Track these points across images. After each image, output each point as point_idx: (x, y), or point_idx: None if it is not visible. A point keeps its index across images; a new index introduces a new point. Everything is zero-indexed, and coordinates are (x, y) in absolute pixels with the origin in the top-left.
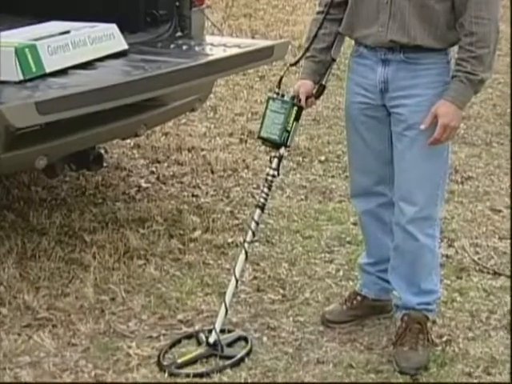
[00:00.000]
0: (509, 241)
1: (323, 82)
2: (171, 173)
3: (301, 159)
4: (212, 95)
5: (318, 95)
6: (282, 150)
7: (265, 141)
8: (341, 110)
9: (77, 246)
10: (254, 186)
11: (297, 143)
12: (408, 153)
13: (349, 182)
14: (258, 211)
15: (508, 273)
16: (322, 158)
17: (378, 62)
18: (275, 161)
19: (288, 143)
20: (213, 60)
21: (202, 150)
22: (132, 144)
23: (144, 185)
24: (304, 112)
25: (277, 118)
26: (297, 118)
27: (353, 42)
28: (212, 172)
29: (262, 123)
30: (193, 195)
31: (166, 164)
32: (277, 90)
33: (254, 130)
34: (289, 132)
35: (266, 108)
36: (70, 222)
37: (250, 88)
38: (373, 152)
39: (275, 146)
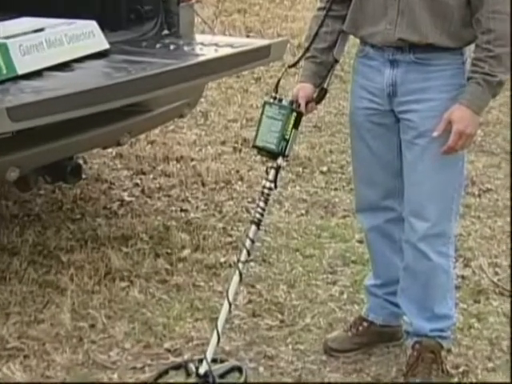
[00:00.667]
0: None
1: (325, 86)
2: (157, 185)
3: (301, 170)
4: (203, 99)
5: (319, 100)
6: (280, 161)
7: (261, 150)
8: (345, 115)
9: (52, 267)
10: (249, 199)
11: (296, 152)
12: (419, 163)
13: (354, 195)
14: (253, 228)
15: None
16: (324, 169)
17: (385, 63)
18: (272, 172)
19: (286, 153)
20: (203, 61)
21: (192, 159)
22: (114, 154)
23: (127, 198)
24: (304, 118)
25: (274, 125)
26: (296, 125)
27: (358, 41)
28: (203, 184)
29: (257, 131)
30: (181, 210)
31: (151, 175)
32: (274, 94)
33: (249, 137)
34: (287, 140)
35: (262, 114)
36: (45, 240)
37: (244, 91)
38: (380, 162)
39: (272, 155)
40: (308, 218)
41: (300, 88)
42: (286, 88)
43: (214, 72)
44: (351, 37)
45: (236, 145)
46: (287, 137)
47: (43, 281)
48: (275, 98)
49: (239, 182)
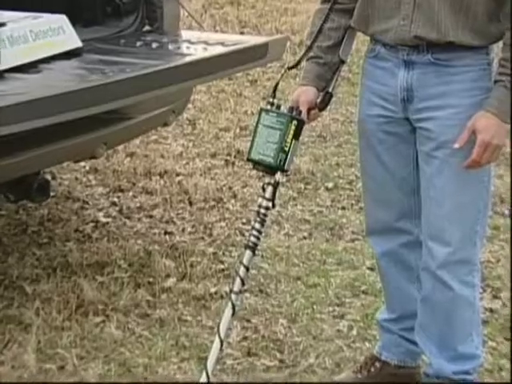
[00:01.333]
0: None
1: (330, 89)
2: (138, 204)
3: (303, 186)
4: (190, 105)
5: (323, 106)
6: (279, 176)
7: (256, 164)
8: (353, 123)
9: (15, 300)
10: (244, 220)
11: (297, 166)
12: (439, 178)
13: (364, 215)
14: (247, 253)
15: None
16: (330, 185)
17: (399, 64)
18: (270, 189)
19: (286, 167)
20: (190, 61)
21: (178, 174)
22: (88, 168)
23: (103, 219)
24: (306, 127)
25: (271, 135)
26: (296, 135)
27: (367, 39)
28: (190, 203)
29: (252, 141)
30: (165, 233)
31: (131, 193)
32: (271, 100)
33: (243, 149)
34: (286, 153)
35: (258, 122)
36: (7, 268)
37: (237, 96)
38: (394, 178)
39: (270, 170)
40: (311, 242)
41: (301, 92)
42: (286, 92)
43: (203, 74)
44: (360, 34)
45: (228, 157)
46: (287, 148)
47: (4, 316)
48: (273, 104)
49: (232, 201)
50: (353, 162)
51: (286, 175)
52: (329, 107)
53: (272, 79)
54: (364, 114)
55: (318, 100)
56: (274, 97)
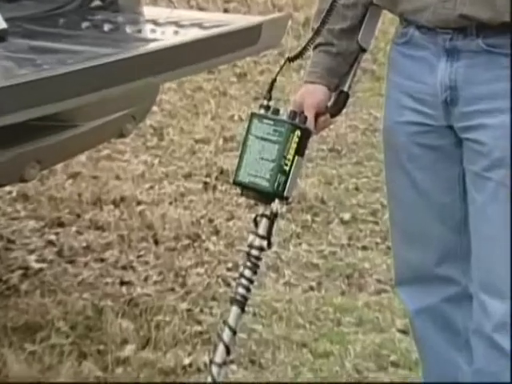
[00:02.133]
0: None
1: (345, 88)
2: (84, 243)
3: (310, 219)
4: (155, 108)
5: (337, 110)
6: (277, 205)
7: (246, 189)
8: (378, 133)
9: None
10: (229, 265)
11: (302, 191)
12: (494, 208)
13: (392, 258)
14: (234, 310)
15: None
16: (347, 217)
17: (439, 53)
18: (264, 223)
19: (286, 193)
20: (156, 50)
21: (139, 203)
22: (15, 194)
23: (35, 265)
24: (314, 138)
25: (266, 150)
26: (300, 150)
27: (396, 20)
28: (156, 241)
29: (240, 158)
30: (122, 282)
31: (74, 228)
32: (266, 102)
33: (228, 168)
34: (287, 174)
35: (249, 132)
36: None
37: (220, 95)
38: (433, 207)
39: (264, 197)
40: (321, 295)
41: (307, 92)
42: (286, 91)
43: (174, 67)
44: (385, 13)
45: (208, 179)
46: (287, 168)
47: None
48: (268, 108)
49: (213, 238)
50: (377, 185)
51: (287, 204)
52: (344, 111)
53: (267, 73)
54: (391, 120)
55: (330, 102)
56: (269, 97)
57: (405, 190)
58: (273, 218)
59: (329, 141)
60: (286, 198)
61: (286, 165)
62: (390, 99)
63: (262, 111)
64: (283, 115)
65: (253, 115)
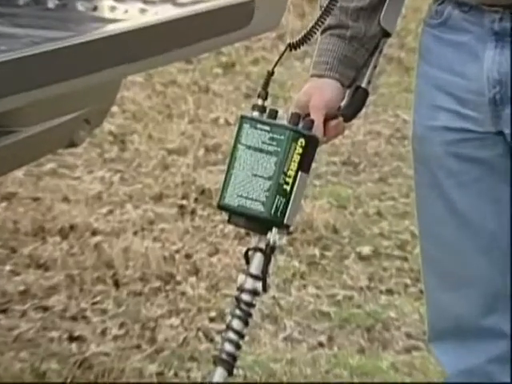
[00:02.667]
0: None
1: (363, 83)
2: (22, 287)
3: (318, 253)
4: (116, 109)
5: (352, 111)
6: (274, 235)
7: (235, 214)
8: (407, 141)
9: None
10: (212, 314)
11: (308, 217)
12: None
13: (425, 305)
14: (219, 372)
15: None
16: (366, 251)
17: (485, 37)
18: (258, 258)
19: (286, 220)
20: (117, 34)
21: (94, 232)
22: None
23: None
24: (323, 148)
25: (261, 165)
26: (305, 164)
27: None
28: (116, 284)
29: (227, 175)
30: (71, 338)
31: (8, 267)
32: (260, 101)
33: (212, 187)
34: (288, 195)
35: (238, 140)
36: None
37: (201, 91)
38: (477, 238)
39: (258, 225)
40: (333, 353)
41: (313, 89)
42: (287, 86)
43: (140, 55)
44: None
45: (184, 202)
46: (288, 187)
47: None
48: (263, 109)
49: (191, 279)
50: (406, 209)
51: (288, 234)
52: (363, 112)
53: (262, 62)
54: (423, 125)
55: (344, 101)
56: (265, 95)
57: (441, 216)
58: (269, 252)
59: (343, 151)
60: (287, 227)
61: (287, 183)
62: (421, 97)
63: (256, 113)
64: (283, 119)
65: (243, 119)
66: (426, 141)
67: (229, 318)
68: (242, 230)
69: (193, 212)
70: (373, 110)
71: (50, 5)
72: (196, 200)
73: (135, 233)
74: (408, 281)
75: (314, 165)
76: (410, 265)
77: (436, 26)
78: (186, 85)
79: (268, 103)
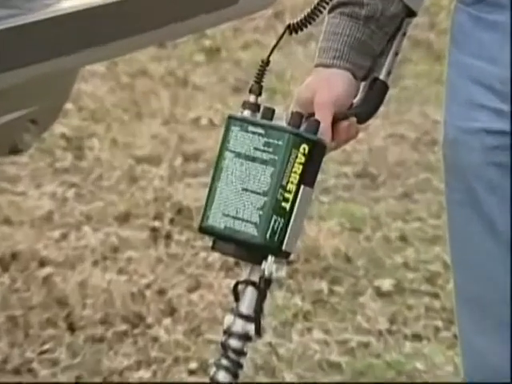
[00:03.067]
0: None
1: (381, 75)
2: None
3: (326, 288)
4: (71, 107)
5: (368, 110)
6: (271, 265)
7: (221, 239)
8: (437, 146)
9: None
10: (192, 365)
11: (314, 242)
12: None
13: (460, 353)
14: None
15: None
16: (386, 285)
17: None
18: (249, 295)
19: (285, 245)
20: (71, 12)
21: (43, 263)
22: None
23: None
24: (331, 156)
25: (254, 177)
26: (308, 175)
27: None
28: (71, 328)
29: (211, 189)
30: None
31: None
32: (253, 97)
33: (192, 205)
34: (287, 214)
35: (224, 147)
36: None
37: (177, 85)
38: None
39: (250, 252)
40: None
41: (320, 82)
42: (286, 78)
43: (101, 40)
44: None
45: (157, 223)
46: (287, 205)
47: None
48: (256, 107)
49: (166, 321)
50: (437, 232)
51: (288, 263)
52: (382, 111)
53: (254, 47)
54: (457, 126)
55: (358, 97)
56: (258, 90)
57: (480, 241)
58: (264, 286)
59: (357, 160)
60: (287, 255)
61: (286, 200)
62: (453, 92)
63: (247, 112)
64: (281, 119)
65: (231, 119)
66: (461, 146)
67: (213, 369)
68: (230, 259)
69: (168, 236)
70: (395, 107)
71: None
72: (172, 221)
73: (95, 263)
74: (439, 323)
75: (320, 177)
76: (442, 303)
77: (471, 3)
78: (159, 76)
79: (262, 100)
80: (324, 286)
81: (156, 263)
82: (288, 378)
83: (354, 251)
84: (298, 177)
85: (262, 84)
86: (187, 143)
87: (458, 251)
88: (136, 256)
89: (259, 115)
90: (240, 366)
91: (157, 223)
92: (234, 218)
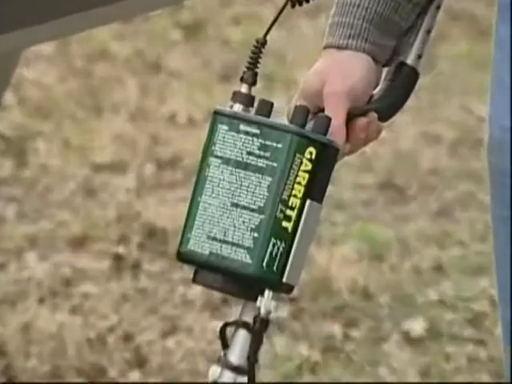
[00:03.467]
0: None
1: (410, 59)
2: None
3: (339, 333)
4: (11, 98)
5: (392, 104)
6: (268, 302)
7: (205, 268)
8: (479, 151)
9: None
10: None
11: (322, 275)
12: None
13: None
14: None
15: None
16: (417, 329)
17: None
18: (241, 339)
19: (286, 277)
20: None
21: None
22: None
23: None
24: (346, 162)
25: (245, 189)
26: (315, 187)
27: None
28: (11, 383)
29: (192, 206)
30: None
31: None
32: (245, 87)
33: (167, 225)
34: (289, 237)
35: (209, 151)
36: None
37: (147, 70)
38: None
39: (242, 285)
40: None
41: (329, 68)
42: (287, 62)
43: (48, 14)
44: None
45: (123, 249)
46: (288, 225)
47: None
48: (250, 100)
49: (133, 375)
50: (481, 260)
51: (291, 300)
52: (410, 103)
53: (246, 23)
54: (503, 126)
55: (379, 88)
56: (252, 77)
57: None
58: (260, 329)
59: (379, 168)
60: (289, 288)
61: (288, 218)
62: (499, 80)
63: (238, 107)
64: (281, 115)
65: (218, 116)
66: (508, 150)
67: None
68: (217, 295)
69: (136, 266)
70: (427, 100)
71: None
72: (141, 246)
73: (41, 300)
74: (485, 377)
75: (330, 189)
76: (489, 352)
77: None
78: (124, 59)
79: (257, 90)
80: (337, 329)
81: (120, 301)
82: None
83: (376, 285)
84: (302, 189)
85: (257, 70)
86: (160, 146)
87: (506, 283)
88: (94, 291)
89: (253, 110)
90: None
91: (121, 249)
92: (222, 241)
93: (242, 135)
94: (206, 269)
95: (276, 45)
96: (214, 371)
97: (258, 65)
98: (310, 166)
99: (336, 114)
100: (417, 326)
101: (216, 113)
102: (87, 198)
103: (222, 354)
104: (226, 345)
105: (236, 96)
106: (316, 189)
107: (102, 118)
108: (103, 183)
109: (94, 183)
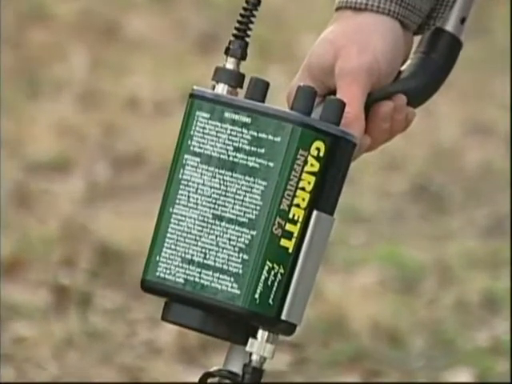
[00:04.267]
0: None
1: (448, 25)
2: None
3: None
4: None
5: (426, 84)
6: (262, 345)
7: (179, 302)
8: None
9: None
10: None
11: (334, 310)
12: None
13: None
14: None
15: None
16: (464, 380)
17: None
18: None
19: (285, 313)
20: None
21: None
22: None
23: None
24: (365, 158)
25: (232, 196)
26: (323, 194)
27: None
28: None
29: (161, 220)
30: None
31: None
32: (232, 63)
33: (125, 245)
34: (289, 260)
35: (183, 147)
36: None
37: (100, 38)
38: None
39: (228, 324)
40: None
41: (344, 36)
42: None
43: None
44: None
45: (66, 278)
46: (289, 244)
47: None
48: (238, 79)
49: None
50: None
51: (293, 347)
52: (450, 83)
53: None
54: None
55: (408, 63)
56: (242, 49)
57: None
58: (251, 381)
59: (410, 169)
60: (289, 328)
61: (288, 236)
62: None
63: (222, 87)
64: (279, 100)
65: (196, 99)
66: None
67: None
68: (193, 337)
69: (84, 300)
70: (472, 80)
71: None
72: (91, 274)
73: None
74: None
75: (345, 196)
76: None
77: None
78: (70, 23)
79: (247, 66)
80: (355, 381)
81: (63, 347)
82: None
83: (407, 325)
84: (308, 196)
85: (248, 40)
86: (117, 138)
87: None
88: (28, 334)
89: (247, 93)
90: None
91: (65, 278)
92: (201, 265)
93: (227, 125)
94: (179, 302)
95: (272, 5)
96: None
97: (249, 32)
98: (317, 167)
99: (352, 96)
100: (462, 376)
101: (193, 96)
102: (20, 208)
103: None
104: None
105: (219, 73)
106: (325, 196)
107: (39, 103)
108: (41, 189)
109: (29, 188)
